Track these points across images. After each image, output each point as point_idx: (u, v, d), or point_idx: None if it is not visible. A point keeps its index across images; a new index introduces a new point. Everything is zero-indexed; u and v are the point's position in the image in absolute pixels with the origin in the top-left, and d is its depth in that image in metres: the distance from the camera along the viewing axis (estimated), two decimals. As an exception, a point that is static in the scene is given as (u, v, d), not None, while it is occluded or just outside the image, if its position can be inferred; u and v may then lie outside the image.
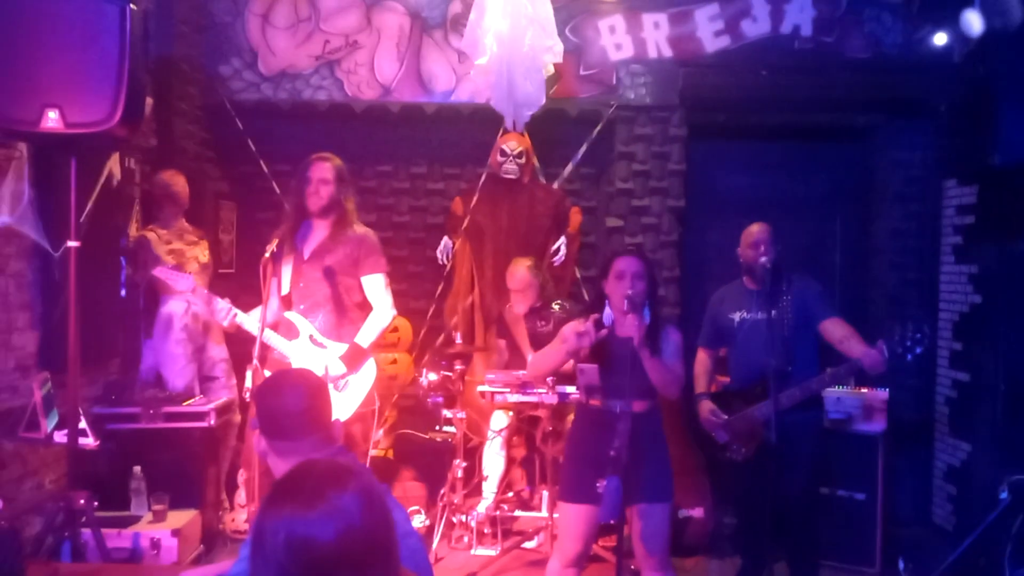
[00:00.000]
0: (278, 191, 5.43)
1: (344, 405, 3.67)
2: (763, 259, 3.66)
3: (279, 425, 1.99)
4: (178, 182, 4.52)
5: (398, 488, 4.81)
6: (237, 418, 4.61)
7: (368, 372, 3.75)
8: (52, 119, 2.90)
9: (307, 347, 3.68)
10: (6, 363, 3.56)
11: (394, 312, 3.85)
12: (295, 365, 3.68)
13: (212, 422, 4.18)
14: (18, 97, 2.96)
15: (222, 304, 3.62)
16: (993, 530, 3.22)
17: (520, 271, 4.72)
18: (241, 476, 4.57)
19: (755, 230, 3.79)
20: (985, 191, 4.72)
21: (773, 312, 3.59)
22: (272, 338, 3.68)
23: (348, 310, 3.76)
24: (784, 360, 3.54)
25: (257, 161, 5.39)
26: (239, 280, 5.07)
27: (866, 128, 5.54)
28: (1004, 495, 3.14)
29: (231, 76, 5.31)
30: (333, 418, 2.07)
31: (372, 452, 5.25)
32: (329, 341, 3.69)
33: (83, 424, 3.35)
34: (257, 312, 3.76)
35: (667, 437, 3.22)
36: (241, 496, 4.57)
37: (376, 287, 3.78)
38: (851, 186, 5.68)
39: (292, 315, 3.72)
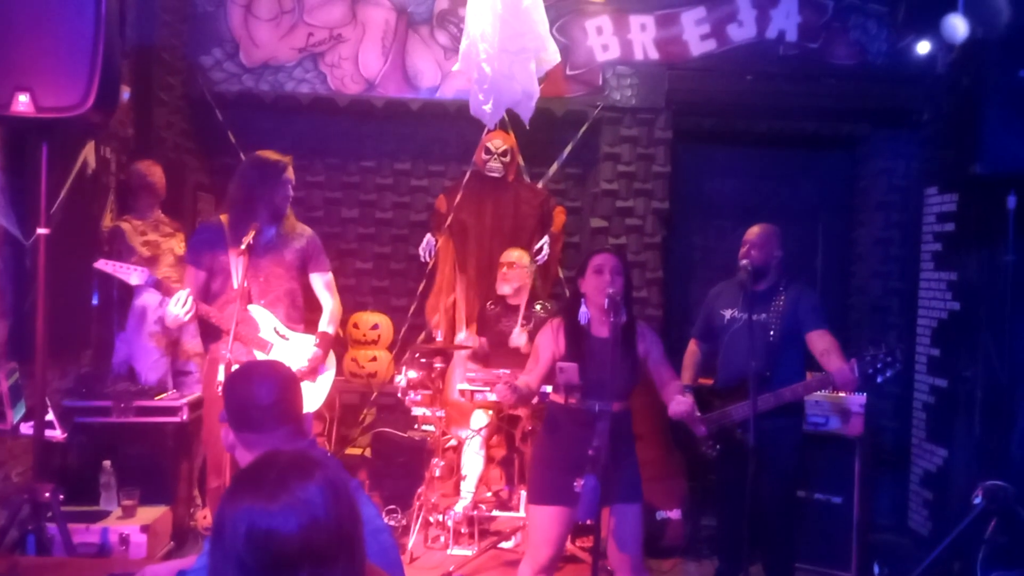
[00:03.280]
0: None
1: (316, 395, 3.72)
2: (744, 260, 3.66)
3: (248, 417, 1.95)
4: (155, 172, 4.46)
5: (375, 486, 4.77)
6: (211, 413, 4.55)
7: (332, 361, 3.83)
8: (23, 102, 2.83)
9: (273, 339, 3.67)
10: (-27, 352, 3.48)
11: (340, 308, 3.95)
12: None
13: (185, 417, 4.12)
14: (-12, 79, 2.89)
15: (180, 295, 3.40)
16: (967, 535, 3.23)
17: (514, 252, 4.80)
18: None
19: (753, 231, 3.78)
20: (965, 199, 4.73)
21: (754, 316, 3.59)
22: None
23: (300, 305, 3.83)
24: (765, 365, 3.54)
25: (237, 153, 5.30)
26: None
27: (850, 136, 5.56)
28: (978, 500, 3.15)
29: (212, 67, 5.24)
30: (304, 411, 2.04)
31: (348, 450, 5.24)
32: (292, 333, 3.70)
33: (50, 416, 3.28)
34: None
35: (646, 439, 3.21)
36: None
37: (327, 283, 3.86)
38: (834, 193, 5.70)
39: (255, 308, 3.69)
